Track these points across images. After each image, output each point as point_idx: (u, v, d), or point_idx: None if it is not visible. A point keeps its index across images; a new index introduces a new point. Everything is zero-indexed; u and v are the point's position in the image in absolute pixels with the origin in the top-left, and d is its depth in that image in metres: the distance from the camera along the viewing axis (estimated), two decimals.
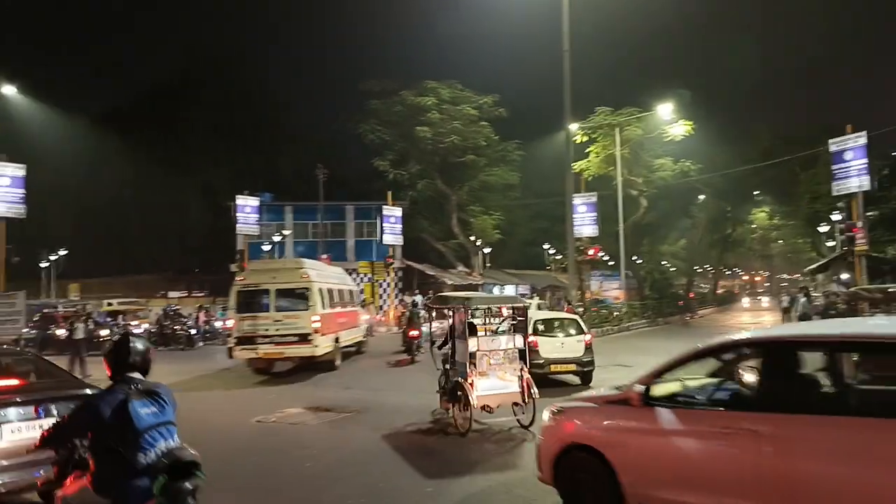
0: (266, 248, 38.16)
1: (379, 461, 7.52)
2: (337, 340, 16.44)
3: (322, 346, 15.16)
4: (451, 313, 9.36)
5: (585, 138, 32.58)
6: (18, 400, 5.44)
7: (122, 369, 3.61)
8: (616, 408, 5.06)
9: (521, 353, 8.77)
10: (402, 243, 38.20)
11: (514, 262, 54.90)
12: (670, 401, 4.79)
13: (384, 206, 36.83)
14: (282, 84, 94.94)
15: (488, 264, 49.03)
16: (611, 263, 45.27)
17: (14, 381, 5.81)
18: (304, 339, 14.77)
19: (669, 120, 31.02)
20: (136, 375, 3.61)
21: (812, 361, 4.39)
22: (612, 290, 32.59)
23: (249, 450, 8.34)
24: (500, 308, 9.88)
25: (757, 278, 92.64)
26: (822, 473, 3.85)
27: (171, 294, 47.79)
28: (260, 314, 14.89)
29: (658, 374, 4.97)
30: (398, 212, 37.52)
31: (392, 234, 36.79)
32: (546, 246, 55.05)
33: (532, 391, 8.52)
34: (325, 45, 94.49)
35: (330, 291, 16.64)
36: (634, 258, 43.89)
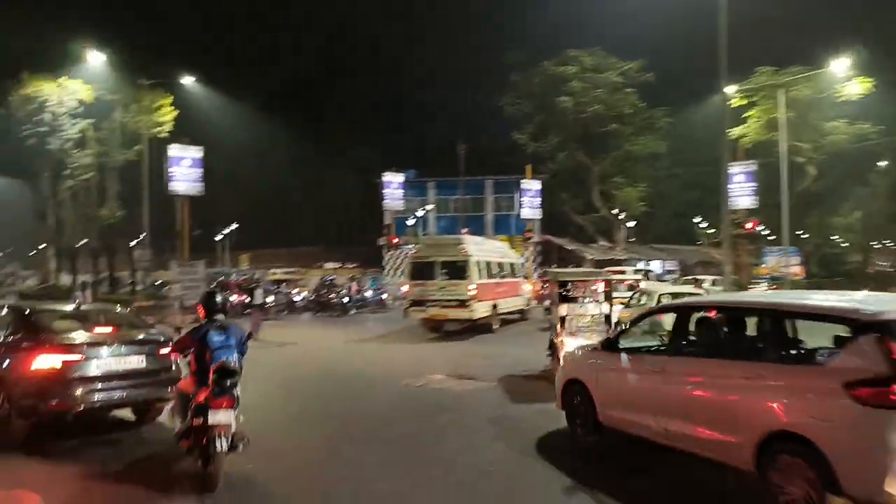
0: (410, 222, 39.66)
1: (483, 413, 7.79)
2: (495, 307, 18.48)
3: (478, 310, 17.44)
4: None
5: (743, 102, 30.02)
6: (110, 341, 7.44)
7: (211, 313, 6.02)
8: (592, 352, 7.10)
9: (608, 317, 10.25)
10: (540, 217, 37.87)
11: (661, 237, 52.30)
12: (625, 348, 6.56)
13: (522, 180, 36.63)
14: (427, 61, 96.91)
15: (632, 238, 47.17)
16: (771, 238, 41.69)
17: (109, 329, 7.82)
18: (462, 304, 17.19)
19: (844, 78, 27.61)
20: (219, 317, 6.00)
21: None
22: (793, 267, 30.04)
23: (382, 412, 8.90)
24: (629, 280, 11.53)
25: None
26: (689, 392, 5.59)
27: (327, 265, 51.33)
28: (428, 282, 17.61)
29: (623, 330, 6.88)
30: (537, 185, 37.17)
31: (530, 207, 36.57)
32: (697, 219, 51.80)
33: None
34: (468, 18, 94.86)
35: (488, 264, 18.73)
36: (800, 232, 40.01)
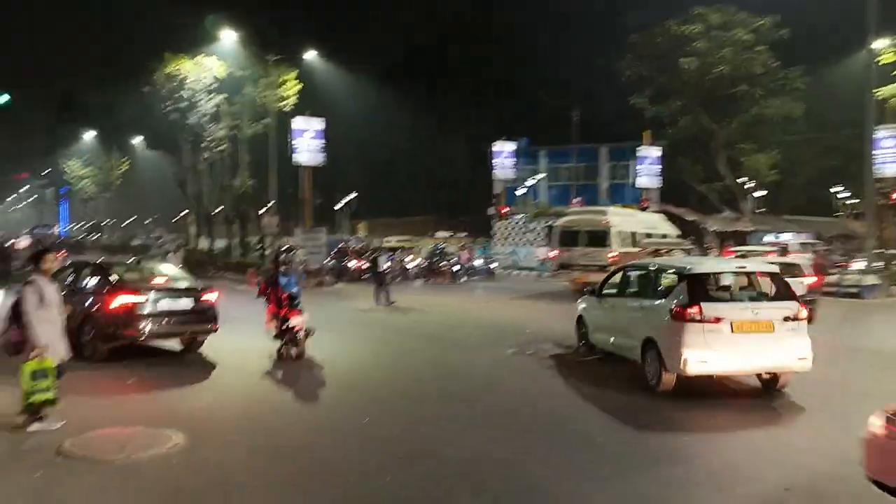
0: (520, 192, 39.40)
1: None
2: None
3: None
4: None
5: (893, 58, 26.82)
6: (165, 288, 10.18)
7: (279, 265, 10.79)
8: (588, 297, 10.69)
9: None
10: (658, 186, 36.28)
11: (794, 207, 48.34)
12: (604, 293, 10.06)
13: (640, 147, 35.19)
14: (540, 24, 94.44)
15: (761, 209, 44.04)
16: None
17: (165, 279, 10.69)
18: (603, 269, 18.69)
19: None
20: (283, 268, 10.66)
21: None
22: None
23: (471, 375, 9.15)
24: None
25: None
26: (621, 319, 9.28)
27: (438, 234, 52.30)
28: (573, 248, 19.82)
29: (605, 280, 10.44)
30: (655, 152, 35.58)
31: (648, 175, 35.14)
32: (836, 188, 47.31)
33: None
34: None
35: (633, 234, 20.17)
36: None
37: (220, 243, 37.96)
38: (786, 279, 15.07)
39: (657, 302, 8.30)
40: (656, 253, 18.24)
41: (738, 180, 38.73)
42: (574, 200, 34.98)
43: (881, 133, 23.99)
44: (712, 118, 37.01)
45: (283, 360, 9.88)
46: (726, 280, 8.88)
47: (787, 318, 7.62)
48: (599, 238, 19.29)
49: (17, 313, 6.34)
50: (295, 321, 9.86)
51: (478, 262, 29.21)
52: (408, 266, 28.08)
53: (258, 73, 31.30)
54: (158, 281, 10.35)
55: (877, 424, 4.48)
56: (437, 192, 63.79)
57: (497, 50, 63.70)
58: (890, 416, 4.43)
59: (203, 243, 37.60)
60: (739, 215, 39.34)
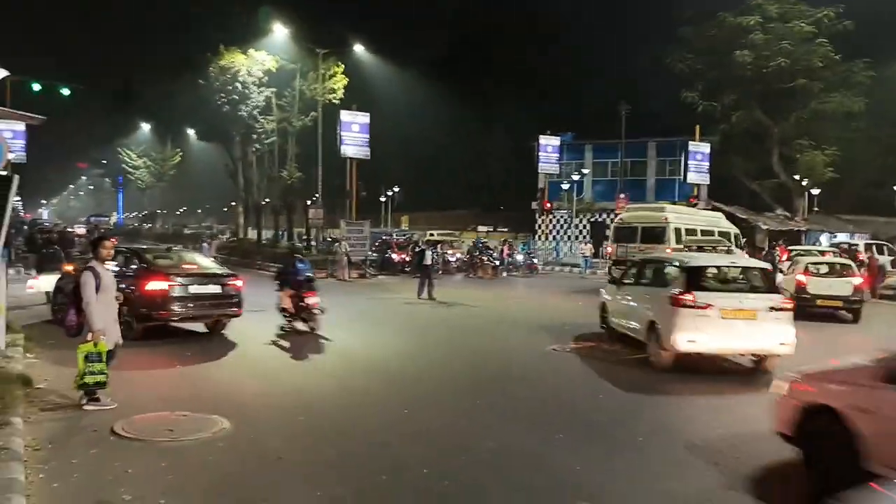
0: (564, 187, 38.95)
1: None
2: None
3: None
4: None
5: None
6: (195, 273, 10.80)
7: (294, 254, 12.96)
8: (609, 285, 12.07)
9: None
10: (708, 182, 35.37)
11: (852, 207, 46.40)
12: (621, 282, 11.27)
13: (690, 142, 34.36)
14: (586, 14, 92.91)
15: (815, 208, 42.45)
16: None
17: (195, 265, 11.27)
18: None
19: None
20: (299, 255, 12.86)
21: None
22: None
23: (505, 369, 9.13)
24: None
25: None
26: (633, 305, 10.42)
27: (480, 228, 52.23)
28: (629, 244, 19.93)
29: (625, 272, 11.64)
30: (706, 148, 34.68)
31: (697, 172, 34.28)
32: None
33: None
34: None
35: (690, 231, 19.86)
36: None
37: (268, 233, 38.80)
38: (837, 277, 15.92)
39: (660, 290, 9.45)
40: (700, 250, 18.00)
41: (793, 178, 37.39)
42: (620, 196, 34.37)
43: None
44: (767, 113, 35.81)
45: (290, 334, 11.37)
46: (722, 273, 10.35)
47: (771, 308, 8.76)
48: (656, 235, 19.21)
49: (76, 297, 6.64)
50: (312, 300, 11.38)
51: (519, 258, 29.08)
52: (449, 260, 28.17)
53: (307, 66, 31.77)
54: (189, 267, 11.00)
55: (782, 387, 5.49)
56: (480, 186, 63.67)
57: (542, 43, 62.95)
58: (791, 380, 5.42)
59: (251, 233, 38.52)
60: (793, 214, 38.03)
